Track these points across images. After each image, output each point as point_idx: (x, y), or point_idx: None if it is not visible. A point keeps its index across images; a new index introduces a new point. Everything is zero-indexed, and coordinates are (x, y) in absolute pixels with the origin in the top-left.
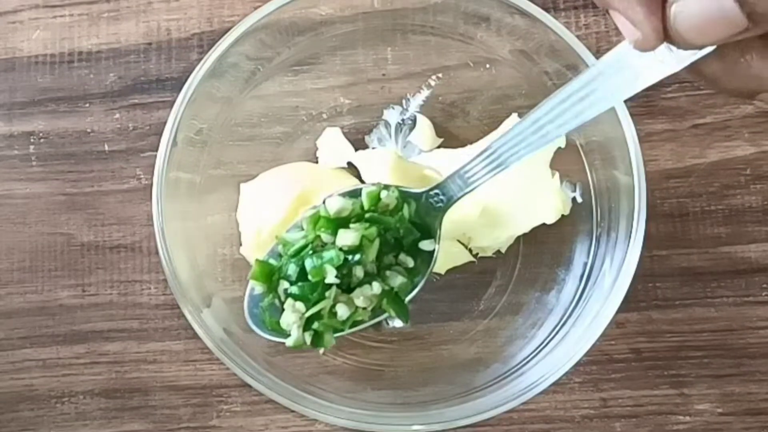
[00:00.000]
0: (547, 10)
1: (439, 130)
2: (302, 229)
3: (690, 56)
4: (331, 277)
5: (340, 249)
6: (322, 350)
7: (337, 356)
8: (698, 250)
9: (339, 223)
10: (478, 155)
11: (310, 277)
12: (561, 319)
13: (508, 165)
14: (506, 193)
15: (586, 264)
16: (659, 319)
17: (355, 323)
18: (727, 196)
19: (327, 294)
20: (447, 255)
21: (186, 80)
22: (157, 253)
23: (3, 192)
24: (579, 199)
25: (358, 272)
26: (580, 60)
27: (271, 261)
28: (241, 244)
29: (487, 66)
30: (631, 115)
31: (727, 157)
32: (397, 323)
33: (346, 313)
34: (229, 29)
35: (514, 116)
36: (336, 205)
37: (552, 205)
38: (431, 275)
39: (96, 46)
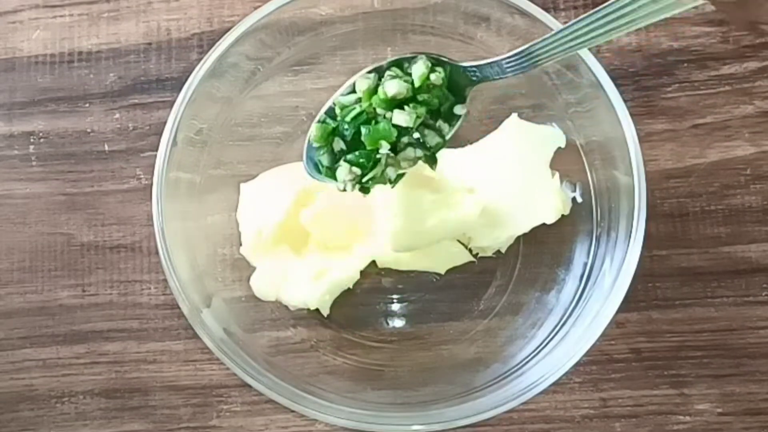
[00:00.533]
0: (547, 10)
1: None
2: (354, 91)
3: None
4: (385, 149)
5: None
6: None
7: (337, 356)
8: (698, 250)
9: (394, 103)
10: (516, 52)
11: (365, 142)
12: (561, 319)
13: (541, 62)
14: (506, 193)
15: (586, 264)
16: (659, 319)
17: (398, 177)
18: (727, 196)
19: (380, 161)
20: (447, 255)
21: (186, 80)
22: (157, 253)
23: (3, 192)
24: (579, 199)
25: (405, 140)
26: (579, 60)
27: (328, 121)
28: (241, 244)
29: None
30: (631, 115)
31: (727, 157)
32: (398, 323)
33: (393, 175)
34: (229, 29)
35: (514, 116)
36: (393, 90)
37: (552, 205)
38: (431, 275)
39: (96, 46)
